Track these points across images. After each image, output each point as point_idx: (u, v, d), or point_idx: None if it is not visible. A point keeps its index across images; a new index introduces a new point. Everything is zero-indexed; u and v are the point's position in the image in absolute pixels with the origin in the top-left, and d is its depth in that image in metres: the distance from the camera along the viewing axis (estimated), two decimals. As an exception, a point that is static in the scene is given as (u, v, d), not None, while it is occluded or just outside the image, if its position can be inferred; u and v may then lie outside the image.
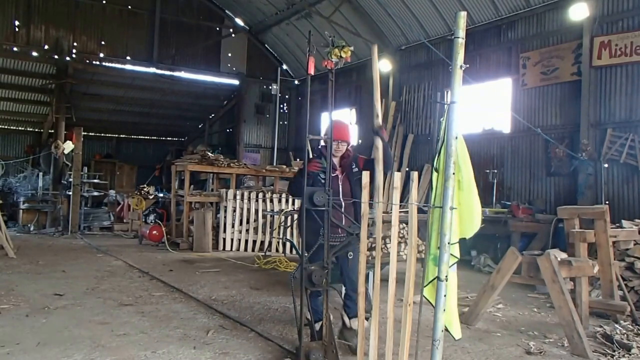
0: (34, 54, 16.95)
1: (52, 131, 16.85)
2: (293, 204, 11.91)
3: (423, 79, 15.00)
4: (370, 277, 5.14)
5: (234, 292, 7.30)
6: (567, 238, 6.42)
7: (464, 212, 3.25)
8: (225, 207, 11.86)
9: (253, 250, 11.70)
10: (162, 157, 21.22)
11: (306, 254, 4.30)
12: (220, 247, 11.72)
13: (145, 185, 15.27)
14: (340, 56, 4.31)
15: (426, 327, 3.96)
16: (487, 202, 12.17)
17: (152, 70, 18.74)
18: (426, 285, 3.32)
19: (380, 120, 4.50)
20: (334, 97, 4.59)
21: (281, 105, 21.55)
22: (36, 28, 17.01)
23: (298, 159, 16.44)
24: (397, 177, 3.64)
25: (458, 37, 3.02)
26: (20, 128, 19.31)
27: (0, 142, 19.09)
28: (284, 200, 12.06)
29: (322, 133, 4.94)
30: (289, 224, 11.24)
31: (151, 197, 14.94)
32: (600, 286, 6.42)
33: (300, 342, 4.28)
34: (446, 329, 3.20)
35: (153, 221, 14.04)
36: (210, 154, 13.07)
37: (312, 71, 4.23)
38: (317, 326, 4.56)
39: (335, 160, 5.03)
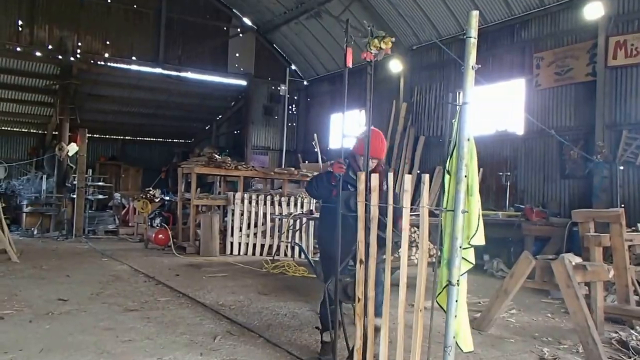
0: (38, 54, 16.86)
1: (56, 133, 16.75)
2: (302, 207, 11.81)
3: (435, 79, 14.85)
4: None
5: (241, 297, 7.25)
6: (582, 242, 6.36)
7: (472, 218, 3.16)
8: (233, 210, 11.77)
9: (261, 254, 11.60)
10: (168, 160, 21.05)
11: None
12: (228, 251, 11.63)
13: (151, 188, 15.22)
14: (380, 47, 3.97)
15: (437, 333, 3.91)
16: (500, 205, 12.11)
17: (158, 70, 18.62)
18: (440, 292, 3.27)
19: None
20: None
21: (290, 107, 21.39)
22: (40, 28, 16.92)
23: (307, 161, 16.31)
24: (408, 180, 3.60)
25: (470, 37, 3.03)
26: (23, 130, 19.13)
27: (3, 144, 18.94)
28: (292, 203, 11.95)
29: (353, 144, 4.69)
30: (297, 227, 11.17)
31: (157, 200, 14.81)
32: (615, 291, 6.41)
33: (335, 356, 4.17)
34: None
35: (159, 225, 14.00)
36: (217, 156, 13.03)
37: (350, 63, 4.03)
38: (326, 337, 4.47)
39: None
